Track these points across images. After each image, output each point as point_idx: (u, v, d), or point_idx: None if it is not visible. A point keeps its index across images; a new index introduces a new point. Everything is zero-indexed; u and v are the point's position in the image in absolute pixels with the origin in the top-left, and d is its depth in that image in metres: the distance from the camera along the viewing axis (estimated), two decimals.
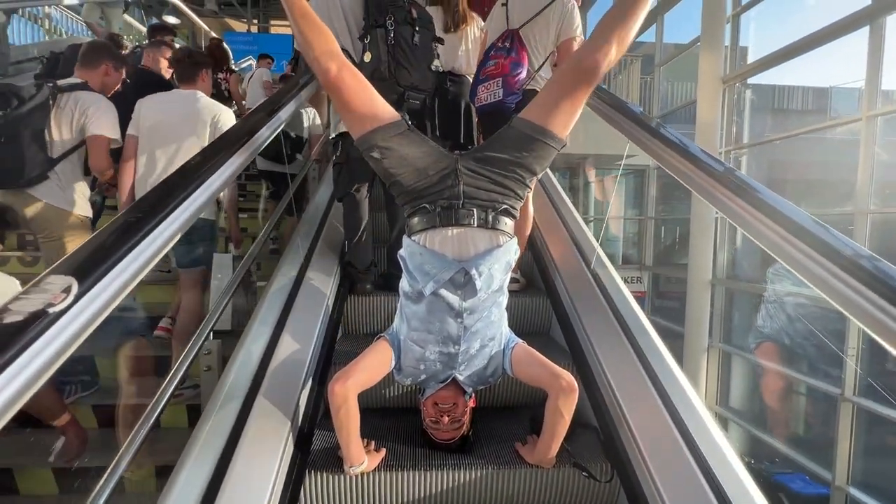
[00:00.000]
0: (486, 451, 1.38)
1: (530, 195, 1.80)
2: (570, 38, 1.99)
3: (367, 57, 1.75)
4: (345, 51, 1.68)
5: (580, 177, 8.60)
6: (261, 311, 1.56)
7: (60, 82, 2.14)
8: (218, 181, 1.04)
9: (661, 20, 5.80)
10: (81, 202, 2.19)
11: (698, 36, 4.60)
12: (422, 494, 1.30)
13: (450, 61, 2.40)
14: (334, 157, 2.05)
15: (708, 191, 1.20)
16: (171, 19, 6.89)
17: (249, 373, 1.34)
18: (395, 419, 1.54)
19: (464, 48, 2.40)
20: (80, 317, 0.63)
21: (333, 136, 2.05)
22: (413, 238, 1.28)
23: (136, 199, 1.97)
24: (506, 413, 1.61)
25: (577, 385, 1.22)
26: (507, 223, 1.27)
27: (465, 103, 2.40)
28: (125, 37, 5.67)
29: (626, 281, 1.70)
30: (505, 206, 1.26)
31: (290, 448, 1.25)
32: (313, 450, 1.34)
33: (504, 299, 1.33)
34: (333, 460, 1.29)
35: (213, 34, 7.58)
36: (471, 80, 2.30)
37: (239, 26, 12.04)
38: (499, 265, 1.25)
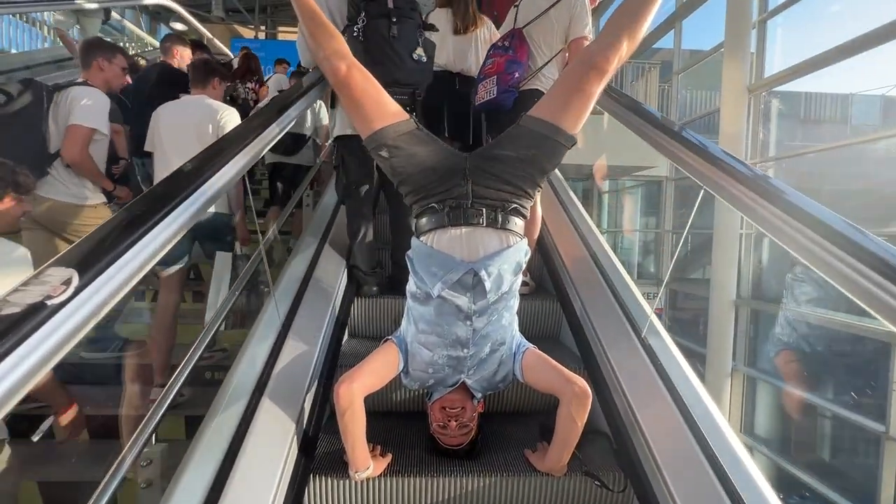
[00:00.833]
0: (494, 458, 1.34)
1: (539, 195, 1.78)
2: (580, 37, 1.98)
3: None
4: None
5: (593, 188, 8.35)
6: (266, 313, 1.54)
7: (60, 82, 2.17)
8: (223, 178, 1.02)
9: (680, 26, 5.59)
10: (92, 194, 2.19)
11: (721, 42, 4.40)
12: (428, 501, 1.27)
13: (459, 63, 2.39)
14: (333, 161, 2.05)
15: (738, 197, 1.06)
16: (179, 26, 6.92)
17: (254, 374, 1.32)
18: (401, 423, 1.51)
19: (473, 50, 2.39)
20: (80, 310, 0.61)
21: (330, 140, 2.04)
22: (421, 238, 1.25)
23: None
24: (515, 419, 1.57)
25: (590, 391, 1.18)
26: (517, 223, 1.24)
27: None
28: (129, 45, 5.74)
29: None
30: (515, 206, 1.23)
31: (295, 451, 1.22)
32: (318, 454, 1.32)
33: (515, 303, 1.30)
34: (338, 465, 1.26)
35: (218, 42, 7.61)
36: None
37: (247, 33, 12.19)
38: (508, 266, 1.22)
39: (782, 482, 3.76)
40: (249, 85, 4.55)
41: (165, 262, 2.22)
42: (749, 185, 1.04)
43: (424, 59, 1.82)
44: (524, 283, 2.04)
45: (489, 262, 1.19)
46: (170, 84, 2.77)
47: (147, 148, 2.34)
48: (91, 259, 0.66)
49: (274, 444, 1.17)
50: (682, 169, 1.27)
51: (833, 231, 0.84)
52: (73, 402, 1.62)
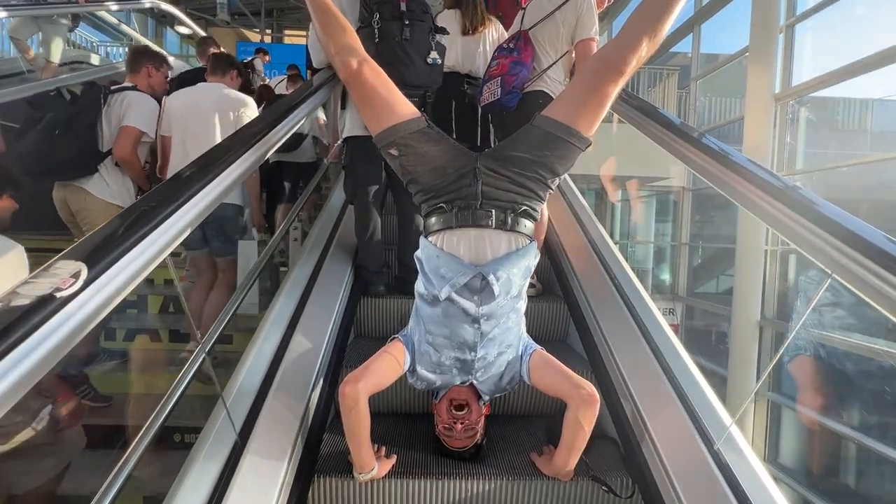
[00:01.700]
0: (500, 461, 1.32)
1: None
2: (587, 38, 1.97)
3: None
4: None
5: (605, 200, 7.91)
6: (273, 311, 1.54)
7: (113, 87, 2.35)
8: (234, 174, 1.02)
9: (699, 30, 5.33)
10: (125, 196, 2.33)
11: (745, 47, 4.14)
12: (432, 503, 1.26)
13: (467, 64, 2.38)
14: (342, 161, 2.05)
15: (766, 209, 0.99)
16: (183, 30, 6.92)
17: (260, 373, 1.31)
18: (407, 424, 1.50)
19: (481, 51, 2.39)
20: (88, 303, 0.61)
21: (340, 141, 2.05)
22: (430, 239, 1.24)
23: None
24: (522, 421, 1.56)
25: (598, 396, 1.16)
26: (527, 225, 1.23)
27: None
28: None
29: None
30: (525, 208, 1.22)
31: (299, 451, 1.21)
32: (322, 454, 1.31)
33: (523, 305, 1.29)
34: (343, 465, 1.25)
35: (219, 47, 7.59)
36: None
37: (254, 37, 12.15)
38: (518, 270, 1.21)
39: None
40: None
41: (220, 252, 2.44)
42: (780, 196, 0.96)
43: (438, 61, 1.83)
44: (531, 286, 2.03)
45: (498, 265, 1.18)
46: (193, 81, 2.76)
47: (163, 132, 2.43)
48: (100, 252, 0.66)
49: (278, 444, 1.16)
50: (705, 180, 1.20)
51: (874, 248, 0.76)
52: (72, 391, 1.64)
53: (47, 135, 2.12)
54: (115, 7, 5.09)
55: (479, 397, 1.29)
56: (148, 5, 5.84)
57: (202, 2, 10.47)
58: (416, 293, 1.30)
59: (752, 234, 3.95)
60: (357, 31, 1.73)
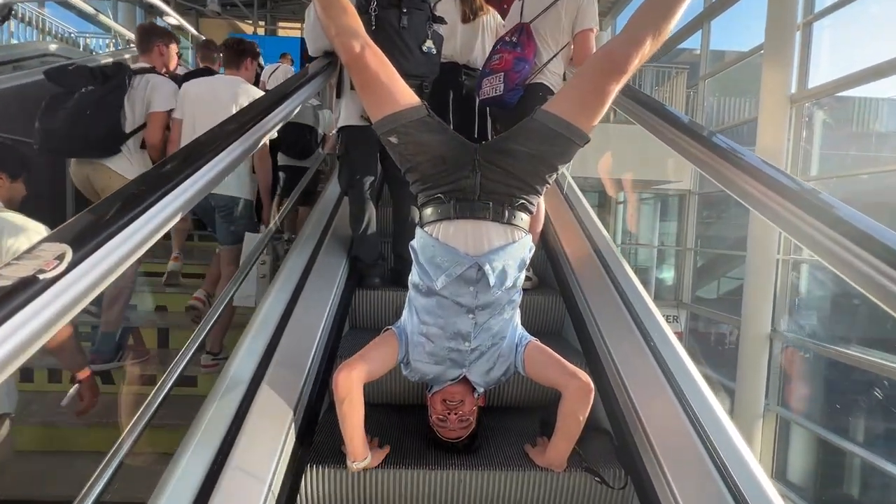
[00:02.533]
0: (493, 452, 1.32)
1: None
2: (587, 29, 1.95)
3: None
4: None
5: (610, 201, 7.68)
6: (267, 302, 1.53)
7: (133, 66, 2.37)
8: (226, 160, 1.01)
9: (708, 27, 5.09)
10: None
11: (758, 45, 3.90)
12: (426, 494, 1.26)
13: (465, 54, 2.36)
14: (337, 151, 2.04)
15: (784, 216, 0.91)
16: (171, 20, 6.75)
17: (254, 362, 1.31)
18: (400, 415, 1.50)
19: (480, 41, 2.36)
20: (73, 286, 0.60)
21: (335, 130, 2.03)
22: (426, 229, 1.24)
23: None
24: (515, 413, 1.56)
25: (593, 386, 1.16)
26: (523, 218, 1.22)
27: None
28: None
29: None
30: (522, 201, 1.21)
31: (292, 440, 1.21)
32: (316, 443, 1.31)
33: (518, 296, 1.28)
34: (336, 455, 1.25)
35: (201, 36, 7.38)
36: None
37: (246, 28, 11.80)
38: (513, 261, 1.20)
39: None
40: None
41: (227, 241, 2.46)
42: (799, 202, 0.88)
43: (434, 51, 1.80)
44: (527, 278, 2.02)
45: (494, 256, 1.17)
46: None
47: (175, 115, 2.44)
48: (86, 236, 0.65)
49: (271, 432, 1.16)
50: (717, 183, 1.14)
51: None
52: (91, 372, 1.66)
53: (79, 113, 2.15)
54: None
55: (474, 389, 1.29)
56: None
57: None
58: (410, 284, 1.29)
59: (763, 241, 3.76)
60: None
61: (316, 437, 1.33)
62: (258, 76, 4.37)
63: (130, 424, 1.01)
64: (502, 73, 1.97)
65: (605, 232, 2.05)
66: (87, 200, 2.45)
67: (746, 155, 1.08)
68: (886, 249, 0.72)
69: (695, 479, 1.08)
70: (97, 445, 1.89)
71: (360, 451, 1.19)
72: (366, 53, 1.19)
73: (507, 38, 2.04)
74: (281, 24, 12.41)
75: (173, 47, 2.57)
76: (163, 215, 0.80)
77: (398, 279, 1.93)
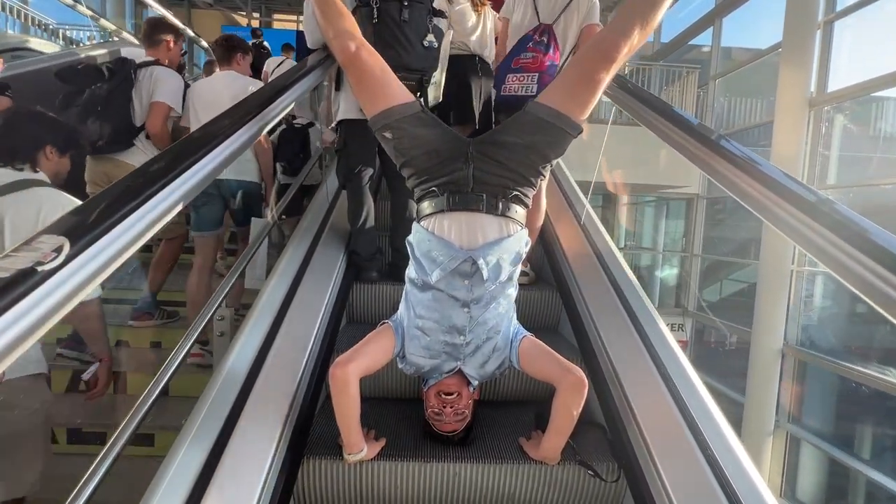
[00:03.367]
0: (488, 445, 1.34)
1: (544, 185, 1.76)
2: (593, 23, 1.97)
3: None
4: None
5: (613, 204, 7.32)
6: (265, 295, 1.53)
7: (137, 60, 2.38)
8: (225, 152, 1.01)
9: (719, 24, 4.82)
10: None
11: (776, 44, 3.67)
12: (421, 486, 1.27)
13: (481, 46, 2.37)
14: (335, 145, 2.04)
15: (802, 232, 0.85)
16: (161, 10, 6.63)
17: (251, 355, 1.31)
18: (396, 408, 1.51)
19: (488, 32, 2.38)
20: (70, 279, 0.60)
21: (334, 124, 2.03)
22: (421, 223, 1.25)
23: None
24: (510, 406, 1.57)
25: (587, 381, 1.17)
26: (518, 211, 1.23)
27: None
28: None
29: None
30: (516, 193, 1.22)
31: (289, 433, 1.22)
32: (312, 436, 1.32)
33: (513, 291, 1.29)
34: (332, 447, 1.26)
35: (189, 31, 7.19)
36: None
37: (241, 20, 11.59)
38: (508, 255, 1.21)
39: None
40: None
41: (200, 227, 2.45)
42: (816, 215, 0.81)
43: (435, 45, 1.80)
44: (524, 274, 2.03)
45: (488, 250, 1.18)
46: None
47: (183, 123, 2.50)
48: (84, 228, 0.66)
49: (267, 425, 1.17)
50: (729, 191, 1.08)
51: None
52: (111, 357, 1.68)
53: (90, 110, 2.20)
54: None
55: (469, 383, 1.30)
56: None
57: None
58: (406, 278, 1.30)
59: (777, 251, 3.58)
60: (354, 10, 1.71)
61: (312, 429, 1.34)
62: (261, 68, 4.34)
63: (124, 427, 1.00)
64: (536, 74, 1.99)
65: (602, 228, 2.06)
66: None
67: (763, 164, 1.01)
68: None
69: (686, 472, 1.10)
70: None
71: (356, 444, 1.20)
72: (361, 53, 1.22)
73: (536, 37, 2.03)
74: (276, 15, 12.18)
75: (179, 44, 2.60)
76: (160, 208, 0.80)
77: (396, 273, 1.94)
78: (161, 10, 5.97)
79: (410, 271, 1.28)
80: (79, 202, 1.51)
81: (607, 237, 2.00)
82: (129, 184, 0.78)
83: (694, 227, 5.78)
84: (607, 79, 1.17)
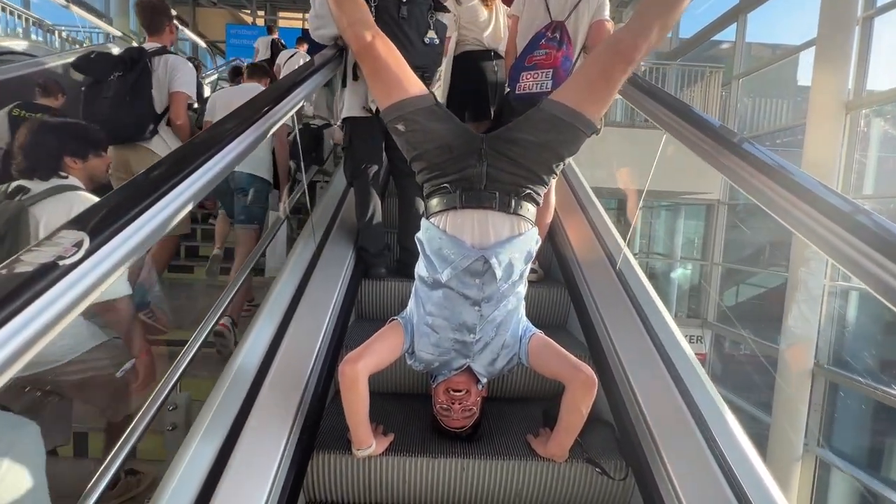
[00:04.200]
0: (496, 442, 1.34)
1: (554, 182, 1.76)
2: (602, 19, 1.95)
3: None
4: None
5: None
6: (274, 292, 1.54)
7: (147, 48, 2.40)
8: (239, 147, 1.02)
9: (744, 20, 4.51)
10: None
11: (810, 40, 3.38)
12: (429, 482, 1.28)
13: (495, 41, 2.36)
14: (342, 142, 2.06)
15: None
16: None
17: (261, 351, 1.33)
18: (405, 404, 1.52)
19: (504, 23, 2.37)
20: (90, 273, 0.61)
21: (339, 121, 2.04)
22: (432, 220, 1.24)
23: None
24: (519, 403, 1.57)
25: (596, 380, 1.17)
26: (530, 209, 1.23)
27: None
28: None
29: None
30: (528, 191, 1.21)
31: (299, 427, 1.23)
32: (322, 430, 1.33)
33: (523, 289, 1.29)
34: (341, 442, 1.27)
35: (185, 30, 7.14)
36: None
37: (246, 19, 11.56)
38: (519, 254, 1.21)
39: None
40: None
41: (242, 220, 2.57)
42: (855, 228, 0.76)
43: (437, 41, 1.78)
44: (533, 271, 2.03)
45: (500, 249, 1.18)
46: None
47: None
48: (103, 223, 0.66)
49: (278, 420, 1.18)
50: (758, 201, 1.01)
51: None
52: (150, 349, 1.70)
53: (121, 101, 2.24)
54: None
55: (477, 381, 1.30)
56: None
57: None
58: (416, 275, 1.30)
59: (809, 266, 3.33)
60: None
61: (322, 424, 1.35)
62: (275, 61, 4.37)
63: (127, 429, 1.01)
64: (551, 70, 1.97)
65: (611, 226, 2.05)
66: None
67: (795, 173, 0.95)
68: None
69: (695, 472, 1.10)
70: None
71: (364, 439, 1.21)
72: (376, 42, 1.21)
73: (548, 34, 2.01)
74: (282, 13, 12.10)
75: (175, 27, 2.66)
76: (177, 203, 0.81)
77: (404, 270, 1.95)
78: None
79: (420, 268, 1.28)
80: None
81: (616, 234, 1.99)
82: (147, 179, 0.78)
83: (714, 234, 5.48)
84: (623, 78, 1.16)
